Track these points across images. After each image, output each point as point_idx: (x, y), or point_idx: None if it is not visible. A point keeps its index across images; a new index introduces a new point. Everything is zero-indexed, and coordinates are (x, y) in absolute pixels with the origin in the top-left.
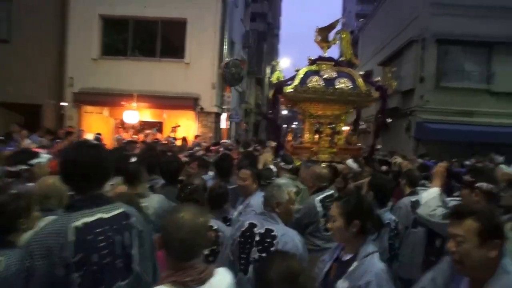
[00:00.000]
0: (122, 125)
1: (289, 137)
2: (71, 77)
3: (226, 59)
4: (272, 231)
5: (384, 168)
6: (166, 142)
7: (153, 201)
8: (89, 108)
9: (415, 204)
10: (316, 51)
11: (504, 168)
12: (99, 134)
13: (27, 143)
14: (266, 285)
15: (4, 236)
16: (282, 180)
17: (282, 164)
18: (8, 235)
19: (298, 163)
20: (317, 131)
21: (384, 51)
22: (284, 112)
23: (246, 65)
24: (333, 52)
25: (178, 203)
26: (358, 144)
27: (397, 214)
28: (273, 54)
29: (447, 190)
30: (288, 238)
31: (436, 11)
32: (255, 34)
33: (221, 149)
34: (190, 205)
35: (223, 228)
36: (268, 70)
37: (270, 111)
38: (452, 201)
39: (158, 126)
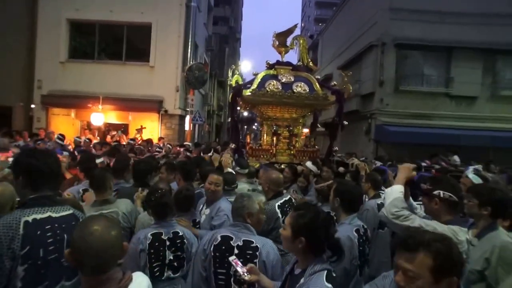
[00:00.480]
0: (88, 127)
1: (248, 139)
2: (39, 80)
3: (190, 63)
4: (252, 242)
5: (341, 169)
6: (129, 143)
7: (121, 206)
8: (56, 110)
9: (381, 207)
10: (275, 56)
11: (471, 177)
12: (61, 135)
13: None
14: None
15: None
16: (244, 185)
17: (237, 168)
18: None
19: (257, 165)
20: (275, 134)
21: (344, 55)
22: (245, 113)
23: (208, 68)
24: (293, 57)
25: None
26: (315, 147)
27: (364, 217)
28: (235, 57)
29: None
30: (269, 247)
31: (394, 16)
32: (217, 37)
33: (181, 149)
34: (99, 217)
35: (188, 235)
36: (230, 73)
37: (230, 114)
38: (418, 205)
39: (123, 128)
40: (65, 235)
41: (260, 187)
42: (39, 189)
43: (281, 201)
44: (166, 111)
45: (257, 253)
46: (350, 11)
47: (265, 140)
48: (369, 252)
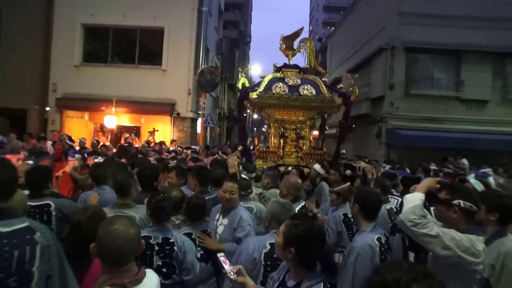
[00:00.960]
0: (101, 129)
1: (256, 141)
2: (54, 83)
3: (202, 66)
4: None
5: (348, 172)
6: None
7: (139, 212)
8: (70, 113)
9: (391, 212)
10: (284, 59)
11: (472, 182)
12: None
13: None
14: None
15: None
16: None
17: (244, 173)
18: None
19: (266, 166)
20: (282, 136)
21: (353, 59)
22: (255, 116)
23: (219, 71)
24: (300, 60)
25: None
26: (323, 149)
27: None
28: (245, 60)
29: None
30: None
31: (403, 20)
32: (227, 41)
33: (189, 151)
34: (121, 217)
35: (181, 243)
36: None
37: (238, 116)
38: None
39: (135, 131)
40: (15, 252)
41: (264, 191)
42: None
43: (300, 205)
44: (178, 114)
45: None
46: (359, 15)
47: (272, 143)
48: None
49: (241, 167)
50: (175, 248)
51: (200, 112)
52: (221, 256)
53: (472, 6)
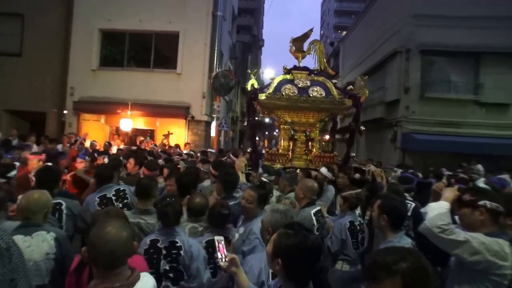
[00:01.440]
0: (117, 132)
1: (265, 144)
2: (72, 87)
3: (217, 70)
4: None
5: (357, 176)
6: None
7: None
8: (87, 116)
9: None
10: (295, 62)
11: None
12: (94, 141)
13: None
14: None
15: None
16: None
17: (265, 175)
18: None
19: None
20: (291, 139)
21: (366, 62)
22: (267, 120)
23: (234, 75)
24: (311, 63)
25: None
26: (333, 152)
27: None
28: (257, 65)
29: None
30: None
31: (418, 22)
32: (240, 45)
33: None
34: (114, 219)
35: (188, 247)
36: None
37: (249, 118)
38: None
39: (149, 134)
40: None
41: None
42: None
43: (315, 209)
44: (193, 117)
45: None
46: (372, 18)
47: (282, 145)
48: None
49: (260, 169)
50: (181, 252)
51: (214, 116)
52: (219, 241)
53: (491, 5)
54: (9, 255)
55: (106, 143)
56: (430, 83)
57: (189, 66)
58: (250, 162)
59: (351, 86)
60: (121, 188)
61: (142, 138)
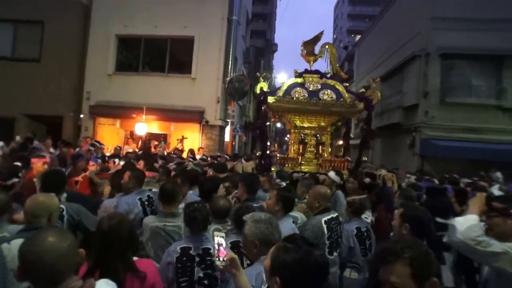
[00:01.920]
0: (131, 136)
1: (276, 148)
2: (88, 91)
3: (232, 75)
4: None
5: (367, 180)
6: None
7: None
8: (103, 120)
9: None
10: (307, 66)
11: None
12: (119, 147)
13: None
14: None
15: None
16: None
17: (278, 180)
18: None
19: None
20: (301, 142)
21: (382, 66)
22: (278, 125)
23: (249, 80)
24: (322, 66)
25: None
26: (345, 157)
27: None
28: (270, 69)
29: None
30: None
31: (438, 25)
32: (253, 50)
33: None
34: (49, 230)
35: None
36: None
37: (257, 121)
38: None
39: (163, 138)
40: None
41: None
42: None
43: (328, 217)
44: (207, 121)
45: None
46: (389, 22)
47: (292, 149)
48: None
49: (274, 175)
50: None
51: (228, 120)
52: (219, 236)
53: None
54: None
55: (117, 148)
56: (451, 88)
57: (204, 70)
58: (259, 167)
59: (363, 89)
60: (151, 195)
61: (156, 143)
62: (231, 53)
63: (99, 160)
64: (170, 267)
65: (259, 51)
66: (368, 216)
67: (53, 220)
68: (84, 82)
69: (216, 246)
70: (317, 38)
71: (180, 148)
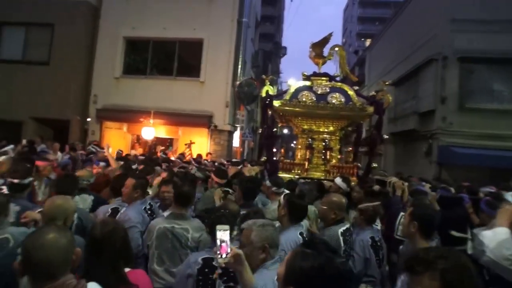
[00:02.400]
0: (138, 140)
1: (282, 153)
2: (95, 95)
3: (241, 78)
4: None
5: (376, 187)
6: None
7: (193, 225)
8: (109, 124)
9: None
10: (315, 69)
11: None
12: (121, 150)
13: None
14: None
15: None
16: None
17: (274, 188)
18: None
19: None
20: (309, 147)
21: (396, 71)
22: (285, 131)
23: (259, 84)
24: (332, 68)
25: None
26: (354, 163)
27: None
28: (278, 73)
29: None
30: None
31: (457, 27)
32: (261, 53)
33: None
34: (51, 227)
35: None
36: (274, 89)
37: (264, 126)
38: None
39: (169, 143)
40: None
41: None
42: None
43: (344, 228)
44: (215, 126)
45: None
46: (403, 25)
47: (299, 154)
48: None
49: (267, 181)
50: None
51: (237, 125)
52: (222, 230)
53: None
54: None
55: (119, 152)
56: (470, 93)
57: (213, 74)
58: (264, 172)
59: (373, 92)
60: (151, 202)
61: (162, 147)
62: (240, 56)
63: (101, 163)
64: (190, 280)
65: (267, 54)
66: (377, 224)
67: (68, 223)
68: (91, 85)
69: (218, 242)
70: (326, 40)
71: (187, 153)
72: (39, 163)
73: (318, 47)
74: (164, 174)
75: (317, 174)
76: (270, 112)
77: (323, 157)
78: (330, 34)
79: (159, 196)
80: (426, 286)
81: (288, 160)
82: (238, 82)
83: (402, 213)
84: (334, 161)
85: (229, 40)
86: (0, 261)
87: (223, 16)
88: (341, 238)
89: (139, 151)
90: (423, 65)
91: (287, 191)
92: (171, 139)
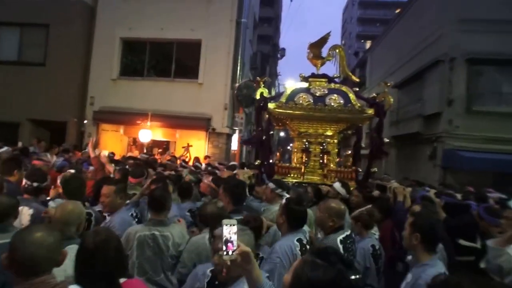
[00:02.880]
0: (134, 143)
1: (278, 156)
2: (92, 96)
3: (240, 80)
4: None
5: (376, 193)
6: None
7: (174, 231)
8: (106, 126)
9: None
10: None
11: None
12: (112, 153)
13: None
14: None
15: None
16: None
17: (278, 190)
18: None
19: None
20: (305, 151)
21: (399, 73)
22: (282, 134)
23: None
24: (331, 69)
25: None
26: (353, 167)
27: None
28: (276, 75)
29: None
30: None
31: (465, 27)
32: (259, 55)
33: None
34: (40, 226)
35: None
36: (273, 91)
37: (257, 129)
38: None
39: (165, 146)
40: None
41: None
42: None
43: (343, 235)
44: (214, 129)
45: None
46: (406, 26)
47: (295, 158)
48: None
49: (270, 184)
50: None
51: (236, 128)
52: (229, 225)
53: None
54: None
55: (110, 155)
56: (478, 95)
57: (211, 76)
58: (263, 176)
59: (374, 94)
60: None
61: (160, 150)
62: (239, 57)
63: (90, 168)
64: None
65: (264, 56)
66: (375, 232)
67: (80, 229)
68: (88, 87)
69: (224, 238)
70: (324, 40)
71: (185, 156)
72: (35, 162)
73: (316, 47)
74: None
75: (314, 179)
76: (266, 115)
77: (320, 161)
78: (328, 34)
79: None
80: None
81: (284, 164)
82: (237, 85)
83: None
84: (331, 165)
85: (227, 41)
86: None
87: (222, 17)
88: (340, 246)
89: (135, 154)
90: (429, 67)
91: (287, 195)
92: (168, 142)
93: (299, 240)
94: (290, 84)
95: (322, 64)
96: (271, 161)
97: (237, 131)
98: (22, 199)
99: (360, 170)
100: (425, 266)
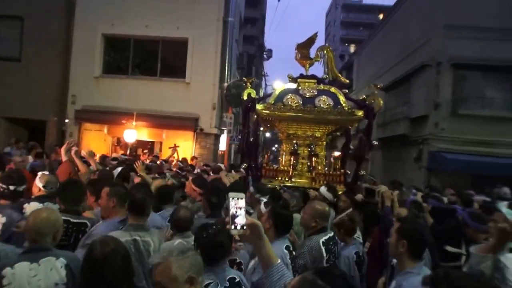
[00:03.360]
0: (118, 143)
1: (266, 159)
2: (73, 95)
3: (229, 80)
4: None
5: (359, 197)
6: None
7: (155, 237)
8: (89, 126)
9: None
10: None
11: (504, 211)
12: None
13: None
14: None
15: None
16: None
17: (257, 195)
18: None
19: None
20: (293, 153)
21: (386, 76)
22: (267, 134)
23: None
24: (319, 70)
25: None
26: (341, 170)
27: None
28: (262, 76)
29: None
30: None
31: (451, 33)
32: (245, 56)
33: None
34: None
35: (244, 282)
36: (261, 92)
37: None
38: None
39: (149, 146)
40: None
41: None
42: None
43: (326, 237)
44: (201, 129)
45: None
46: (394, 30)
47: (283, 160)
48: None
49: (251, 188)
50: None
51: (224, 129)
52: (236, 198)
53: None
54: None
55: (90, 152)
56: (463, 99)
57: (199, 75)
58: (246, 179)
59: (364, 96)
60: None
61: (145, 150)
62: (227, 56)
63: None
64: None
65: (250, 57)
66: (359, 236)
67: (57, 239)
68: (69, 85)
69: (231, 212)
70: (311, 40)
71: (172, 157)
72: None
73: (303, 48)
74: (137, 180)
75: (302, 182)
76: (254, 116)
77: (308, 163)
78: (316, 34)
79: None
80: None
81: (272, 167)
82: (226, 84)
83: None
84: (320, 168)
85: (214, 40)
86: None
87: (208, 15)
88: (323, 248)
89: (119, 153)
90: (416, 71)
91: (265, 199)
92: (152, 143)
93: (287, 248)
94: (278, 85)
95: (311, 65)
96: (258, 163)
97: (225, 132)
98: None
99: (349, 173)
100: (408, 274)
